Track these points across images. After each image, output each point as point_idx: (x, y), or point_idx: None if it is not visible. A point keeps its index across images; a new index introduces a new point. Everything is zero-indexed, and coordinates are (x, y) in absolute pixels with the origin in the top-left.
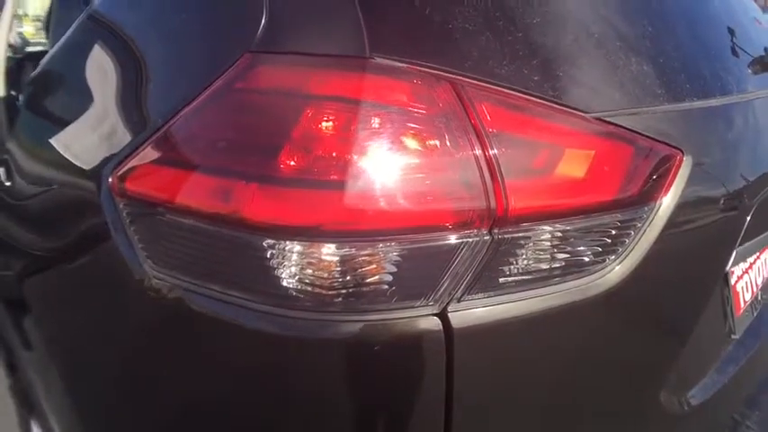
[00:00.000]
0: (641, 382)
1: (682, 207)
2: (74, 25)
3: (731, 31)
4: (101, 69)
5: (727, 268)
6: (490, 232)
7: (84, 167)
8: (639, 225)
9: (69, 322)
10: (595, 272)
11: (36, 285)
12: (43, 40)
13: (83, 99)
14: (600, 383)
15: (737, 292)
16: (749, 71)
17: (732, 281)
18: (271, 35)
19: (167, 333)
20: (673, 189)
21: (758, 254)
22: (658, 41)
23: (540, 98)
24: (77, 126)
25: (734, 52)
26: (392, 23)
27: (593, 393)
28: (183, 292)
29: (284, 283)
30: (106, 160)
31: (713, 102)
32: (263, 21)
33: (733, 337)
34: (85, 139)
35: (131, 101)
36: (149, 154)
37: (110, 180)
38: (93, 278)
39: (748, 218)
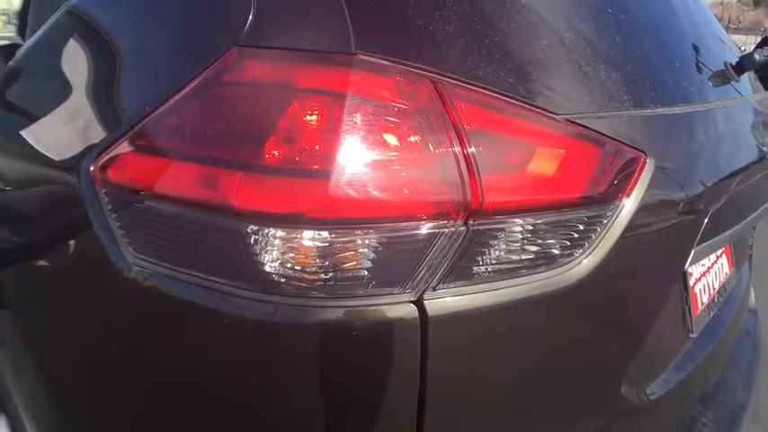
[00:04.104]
0: (605, 374)
1: (644, 207)
2: (53, 18)
3: (695, 46)
4: (84, 62)
5: (686, 267)
6: (466, 224)
7: (66, 159)
8: (605, 222)
9: (48, 313)
10: (564, 265)
11: (13, 277)
12: (10, 34)
13: (64, 92)
14: (567, 373)
15: (695, 294)
16: (710, 83)
17: (690, 283)
18: (258, 30)
19: (149, 320)
20: (636, 189)
21: (716, 258)
22: (626, 51)
23: (515, 99)
24: (59, 119)
25: (697, 65)
26: (377, 22)
27: (561, 383)
28: (164, 279)
29: (267, 269)
30: (87, 150)
31: (675, 109)
32: (250, 16)
33: (691, 335)
34: (67, 132)
35: (112, 92)
36: (132, 143)
37: (91, 169)
38: (73, 268)
39: (706, 220)
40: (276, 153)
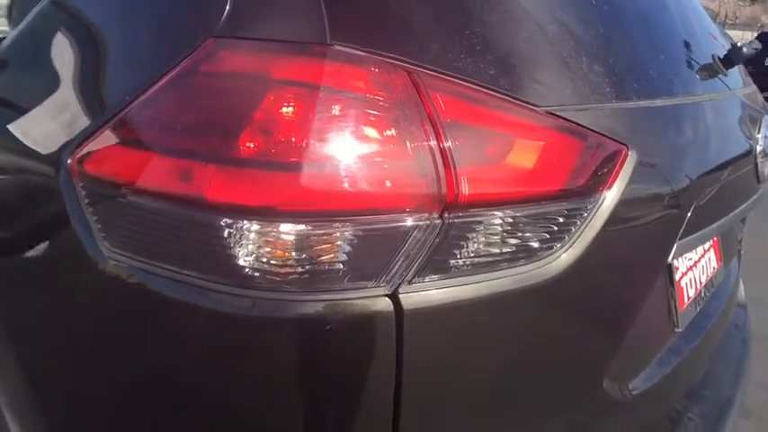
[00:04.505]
0: (586, 368)
1: (625, 200)
2: (35, 10)
3: (683, 39)
4: (63, 53)
5: (669, 260)
6: (441, 217)
7: (44, 152)
8: (585, 215)
9: (28, 308)
10: (543, 258)
11: None
12: (3, 28)
13: (44, 84)
14: (547, 367)
15: (681, 288)
16: (697, 77)
17: (676, 277)
18: (234, 21)
19: (126, 316)
20: (617, 182)
21: (703, 252)
22: (609, 43)
23: (494, 90)
24: (38, 111)
25: (684, 58)
26: (353, 13)
27: (540, 377)
28: (140, 274)
29: (241, 263)
30: (66, 144)
31: (659, 102)
32: (227, 6)
33: (676, 330)
34: (46, 124)
35: (91, 84)
36: (109, 136)
37: (68, 162)
38: (52, 263)
39: (689, 213)
40: (250, 145)
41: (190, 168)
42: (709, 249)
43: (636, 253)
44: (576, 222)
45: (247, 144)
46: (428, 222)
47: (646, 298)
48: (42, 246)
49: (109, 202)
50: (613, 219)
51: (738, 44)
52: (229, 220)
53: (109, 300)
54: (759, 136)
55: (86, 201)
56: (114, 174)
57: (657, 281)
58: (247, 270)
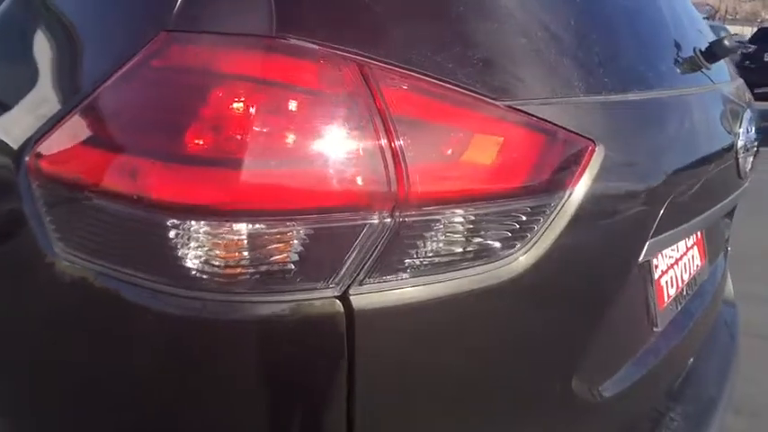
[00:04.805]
0: (553, 370)
1: (592, 197)
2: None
3: (664, 32)
4: (29, 45)
5: (641, 259)
6: (392, 215)
7: (8, 148)
8: (548, 213)
9: None
10: (504, 257)
11: None
12: None
13: (6, 79)
14: (509, 369)
15: (661, 287)
16: (677, 70)
17: (655, 275)
18: (186, 14)
19: (79, 317)
20: (583, 179)
21: (686, 249)
22: (579, 35)
23: (452, 84)
24: (12, 105)
25: (663, 51)
26: (303, 3)
27: (503, 379)
28: (94, 276)
29: (189, 264)
30: (27, 141)
31: (632, 96)
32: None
33: (655, 329)
34: (9, 120)
35: (50, 79)
36: (63, 133)
37: (26, 160)
38: (8, 261)
39: (662, 210)
40: (197, 142)
41: (137, 166)
42: (692, 247)
43: (604, 251)
44: (538, 220)
45: (194, 141)
46: (378, 221)
47: (617, 297)
48: (2, 246)
49: (62, 201)
50: (579, 217)
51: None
52: (176, 220)
53: (62, 302)
54: (740, 131)
55: (41, 200)
56: (67, 172)
57: (630, 280)
58: (195, 271)
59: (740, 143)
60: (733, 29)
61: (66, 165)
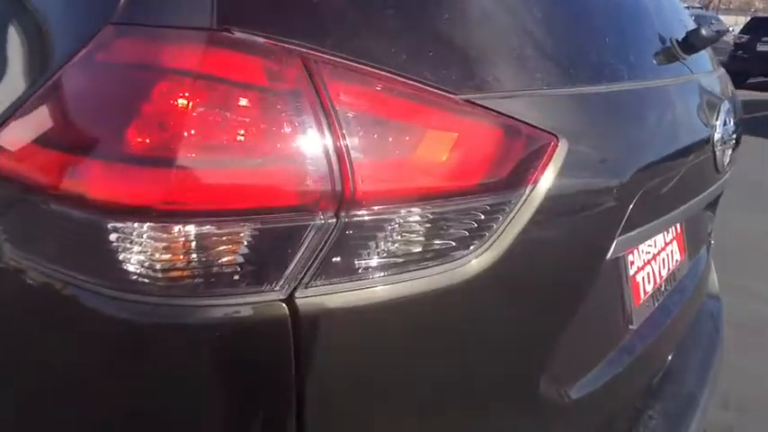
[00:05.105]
0: (517, 372)
1: (555, 193)
2: None
3: (641, 22)
4: None
5: (608, 256)
6: (337, 216)
7: None
8: (509, 211)
9: None
10: (462, 257)
11: None
12: None
13: None
14: (470, 372)
15: (637, 283)
16: (654, 61)
17: (631, 272)
18: (131, 7)
19: (25, 321)
20: (546, 175)
21: (664, 245)
22: (544, 25)
23: (405, 77)
24: None
25: (638, 42)
26: None
27: (463, 382)
28: (41, 277)
29: (130, 267)
30: None
31: (600, 89)
32: None
33: (631, 327)
34: None
35: (6, 73)
36: (9, 130)
37: None
38: None
39: (631, 205)
40: (136, 140)
41: (78, 165)
42: (671, 241)
43: (569, 249)
44: (498, 218)
45: (133, 138)
46: (323, 222)
47: (587, 296)
48: None
49: (10, 200)
50: (542, 214)
51: (731, 29)
52: (116, 222)
53: (10, 303)
54: (717, 123)
55: None
56: (12, 169)
57: (601, 277)
58: (137, 274)
59: (717, 136)
60: (727, 19)
61: (12, 162)
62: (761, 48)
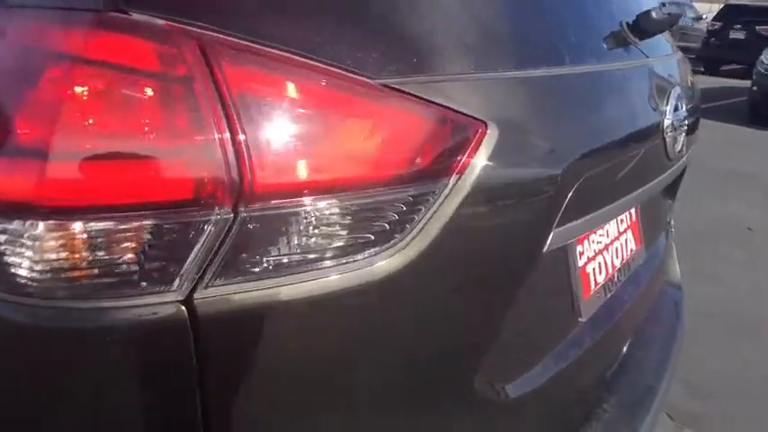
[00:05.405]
0: (447, 370)
1: (484, 183)
2: None
3: (583, 3)
4: None
5: (546, 249)
6: (235, 210)
7: None
8: (432, 202)
9: None
10: (379, 253)
11: None
12: None
13: None
14: (393, 373)
15: (587, 274)
16: (604, 45)
17: (580, 263)
18: None
19: None
20: (472, 165)
21: (617, 234)
22: (475, 6)
23: (317, 61)
24: None
25: (584, 24)
26: None
27: (380, 384)
28: None
29: (17, 269)
30: None
31: (537, 72)
32: None
33: (580, 320)
34: None
35: None
36: None
37: None
38: None
39: (569, 195)
40: (19, 131)
41: None
42: (625, 231)
43: (501, 241)
44: (420, 210)
45: (14, 129)
46: (219, 217)
47: (524, 290)
48: None
49: None
50: (469, 205)
51: (704, 16)
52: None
53: None
54: (667, 108)
55: None
56: None
57: (541, 270)
58: (23, 277)
59: (667, 122)
60: (701, 6)
61: None
62: (733, 35)
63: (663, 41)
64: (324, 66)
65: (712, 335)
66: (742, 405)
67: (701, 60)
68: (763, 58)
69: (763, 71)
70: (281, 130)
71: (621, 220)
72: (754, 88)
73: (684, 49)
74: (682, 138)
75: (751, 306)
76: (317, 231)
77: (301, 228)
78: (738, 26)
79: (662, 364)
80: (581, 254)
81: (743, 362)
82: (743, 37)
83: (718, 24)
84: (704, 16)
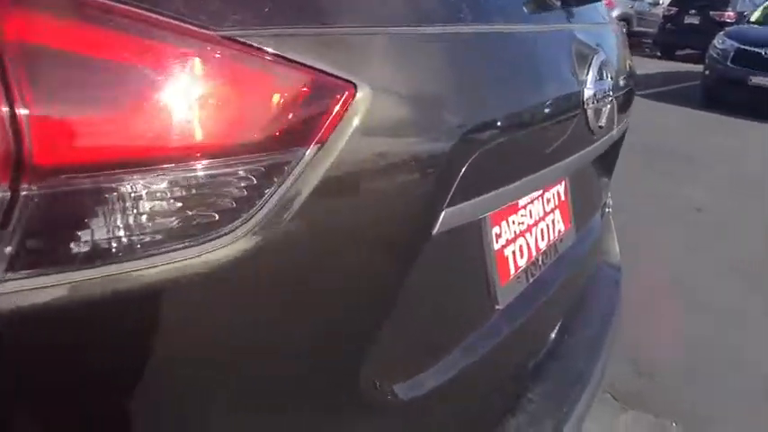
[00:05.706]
0: (319, 371)
1: (354, 154)
2: None
3: None
4: None
5: (434, 231)
6: (14, 188)
7: None
8: (285, 176)
9: None
10: (220, 236)
11: None
12: None
13: None
14: (250, 372)
15: (505, 258)
16: (513, 6)
17: (495, 246)
18: None
19: None
20: (338, 132)
21: (543, 214)
22: None
23: (132, 5)
24: None
25: None
26: None
27: (240, 384)
28: None
29: None
30: None
31: (429, 30)
32: None
33: (496, 307)
34: None
35: None
36: None
37: None
38: None
39: (462, 171)
40: None
41: None
42: (552, 211)
43: (377, 221)
44: (271, 185)
45: None
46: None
47: (409, 279)
48: None
49: None
50: (335, 180)
51: None
52: None
53: None
54: (587, 78)
55: None
56: None
57: (430, 255)
58: None
59: (588, 92)
60: None
61: None
62: (688, 20)
63: (594, 10)
64: (141, 11)
65: (658, 313)
66: (687, 383)
67: (658, 45)
68: (715, 42)
69: (715, 56)
70: (80, 90)
71: (548, 200)
72: (707, 72)
73: (642, 34)
74: (606, 110)
75: (697, 283)
76: (140, 211)
77: (119, 207)
78: (693, 11)
79: (597, 347)
80: (498, 236)
81: (690, 341)
82: (697, 22)
83: (673, 10)
84: (661, 1)
